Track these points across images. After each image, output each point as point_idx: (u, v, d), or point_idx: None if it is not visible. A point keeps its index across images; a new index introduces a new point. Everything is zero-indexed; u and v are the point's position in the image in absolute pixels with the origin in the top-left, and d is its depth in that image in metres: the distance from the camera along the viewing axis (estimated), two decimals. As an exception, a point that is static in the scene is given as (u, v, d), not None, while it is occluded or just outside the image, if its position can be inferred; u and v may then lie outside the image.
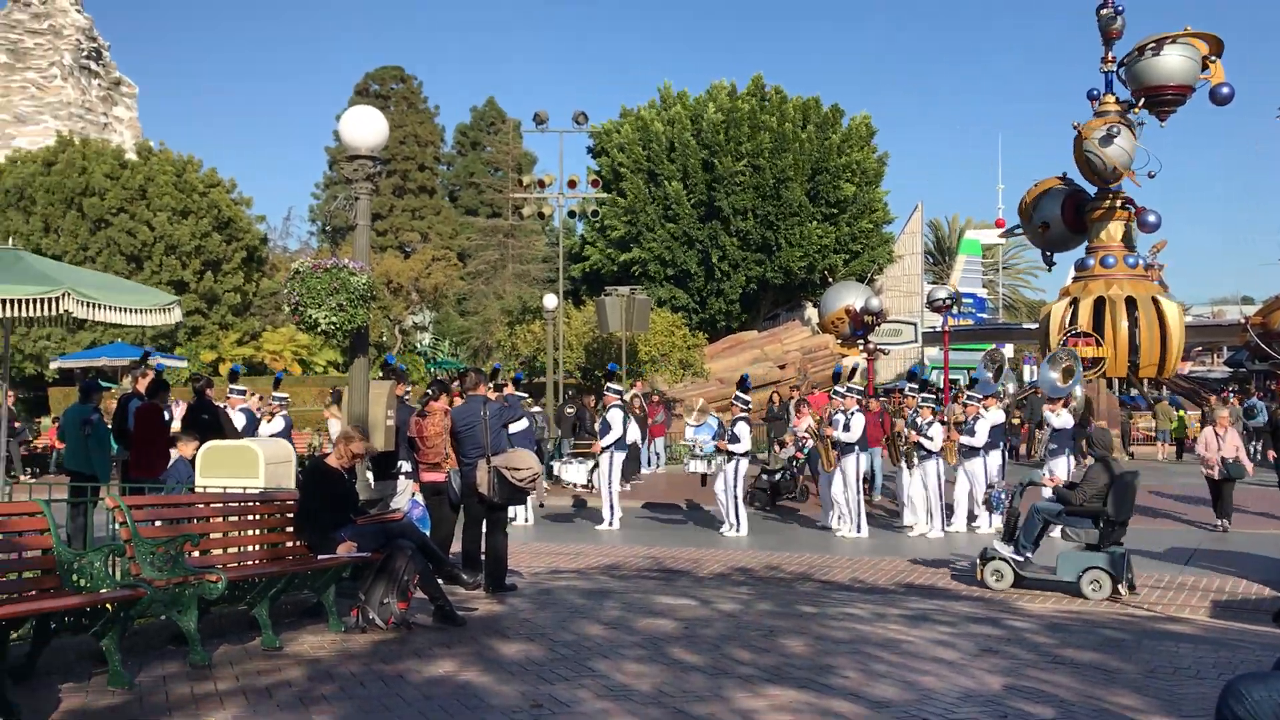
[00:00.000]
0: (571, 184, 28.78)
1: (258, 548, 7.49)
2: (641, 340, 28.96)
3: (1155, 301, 25.48)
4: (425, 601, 7.66)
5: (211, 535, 7.10)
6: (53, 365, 32.47)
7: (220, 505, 7.58)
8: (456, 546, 9.89)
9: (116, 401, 12.36)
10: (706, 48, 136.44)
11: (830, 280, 41.13)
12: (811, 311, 43.86)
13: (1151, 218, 24.80)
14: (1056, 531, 11.27)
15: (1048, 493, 11.29)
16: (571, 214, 29.89)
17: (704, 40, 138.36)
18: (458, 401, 10.14)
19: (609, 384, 15.55)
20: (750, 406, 16.16)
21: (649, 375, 27.12)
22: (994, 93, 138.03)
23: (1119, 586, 9.97)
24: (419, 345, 50.53)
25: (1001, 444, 16.01)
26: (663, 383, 28.87)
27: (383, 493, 9.86)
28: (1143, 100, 24.86)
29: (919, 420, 15.21)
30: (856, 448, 15.08)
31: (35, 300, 8.46)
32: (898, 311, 49.90)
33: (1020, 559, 10.52)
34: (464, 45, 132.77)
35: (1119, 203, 25.58)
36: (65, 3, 54.95)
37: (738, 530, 15.06)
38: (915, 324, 49.67)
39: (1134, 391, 32.12)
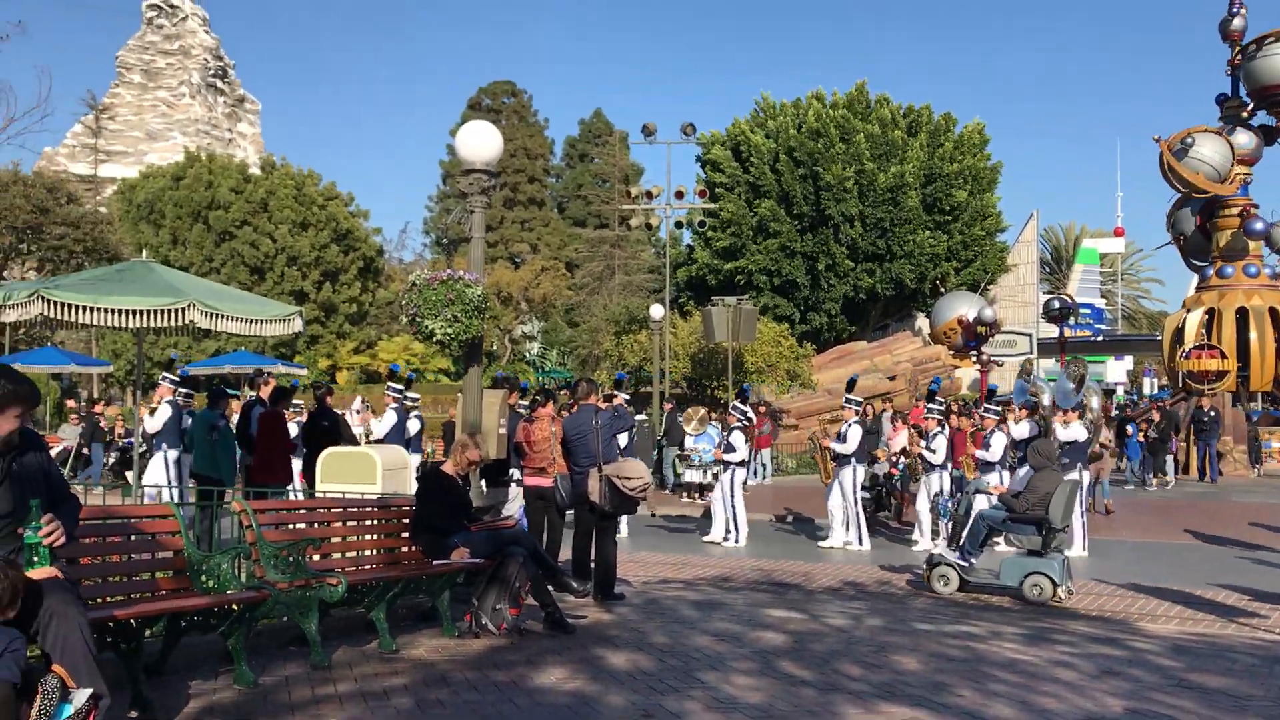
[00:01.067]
0: (679, 194, 28.86)
1: (375, 552, 7.68)
2: (748, 350, 28.84)
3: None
4: (536, 608, 7.76)
5: (331, 540, 7.30)
6: (180, 373, 33.76)
7: (339, 510, 7.80)
8: (564, 554, 10.00)
9: (240, 408, 12.81)
10: (807, 56, 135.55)
11: (941, 290, 40.41)
12: (922, 322, 43.17)
13: (1259, 225, 23.66)
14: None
15: (982, 501, 11.73)
16: (679, 224, 29.96)
17: (804, 49, 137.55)
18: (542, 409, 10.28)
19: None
20: (748, 416, 16.13)
21: (756, 386, 26.98)
22: (1112, 97, 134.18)
23: (1059, 591, 10.30)
24: (528, 354, 51.22)
25: (1010, 461, 15.36)
26: (769, 393, 28.70)
27: (494, 500, 10.03)
28: (1260, 101, 23.86)
29: (926, 431, 15.23)
30: (853, 459, 15.02)
31: (163, 311, 8.84)
32: (1011, 322, 48.83)
33: (965, 564, 10.88)
34: (572, 59, 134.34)
35: (1237, 210, 24.46)
36: (194, 24, 57.30)
37: (738, 541, 15.10)
38: (1030, 335, 48.53)
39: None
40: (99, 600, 5.39)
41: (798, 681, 6.23)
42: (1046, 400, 16.72)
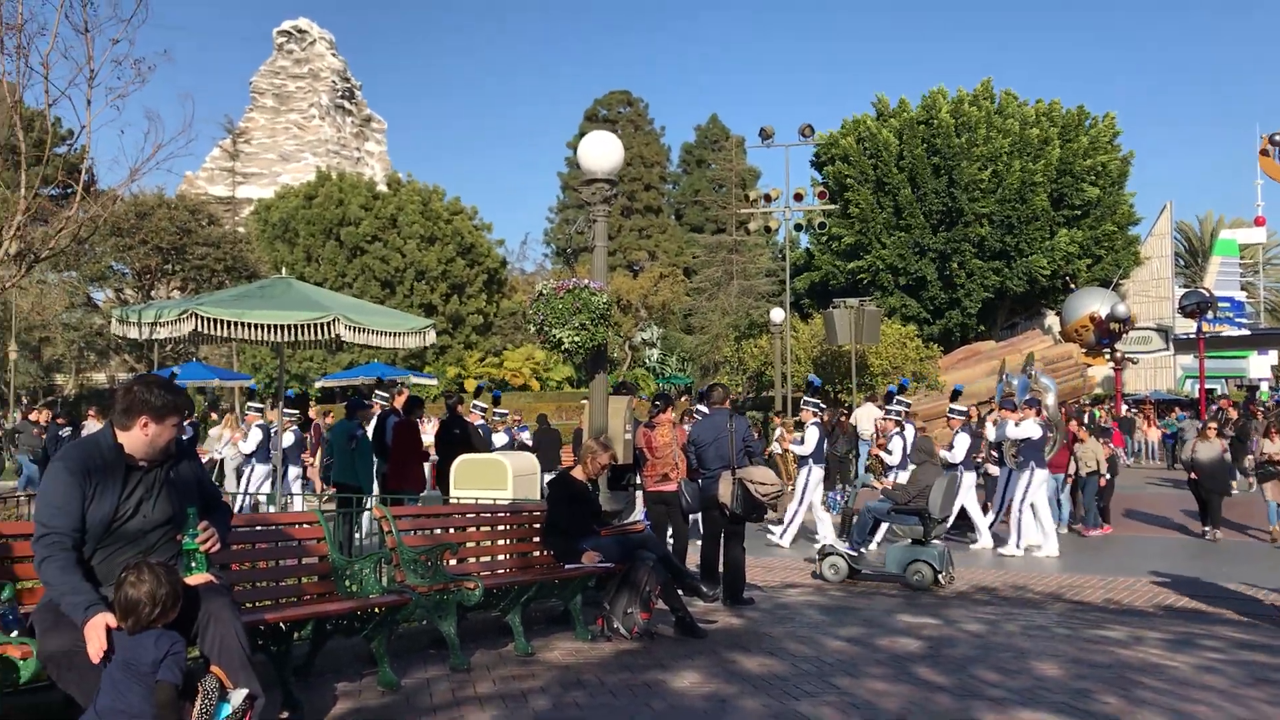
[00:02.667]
0: (798, 197, 28.68)
1: (508, 557, 7.82)
2: (872, 353, 28.46)
3: None
4: (666, 612, 7.80)
5: (466, 545, 7.46)
6: (316, 385, 34.99)
7: (473, 516, 7.97)
8: (691, 558, 10.03)
9: (375, 418, 13.19)
10: (924, 55, 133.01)
11: (1072, 286, 39.18)
12: (1053, 319, 41.96)
13: None
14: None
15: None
16: (798, 227, 29.78)
17: (922, 48, 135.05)
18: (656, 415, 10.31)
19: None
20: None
21: (880, 389, 26.57)
22: (1249, 79, 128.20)
23: (939, 578, 11.19)
24: (647, 361, 51.48)
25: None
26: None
27: (621, 504, 10.12)
28: None
29: (883, 432, 15.39)
30: (810, 460, 14.84)
31: (310, 325, 9.19)
32: (1146, 317, 47.05)
33: (854, 553, 11.79)
34: (687, 66, 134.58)
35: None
36: (322, 47, 59.27)
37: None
38: (1166, 330, 46.68)
39: None
40: (249, 604, 5.61)
41: (934, 687, 6.13)
42: (1051, 400, 16.69)
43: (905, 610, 9.27)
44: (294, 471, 17.70)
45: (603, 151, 9.41)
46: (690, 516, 10.38)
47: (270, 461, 16.41)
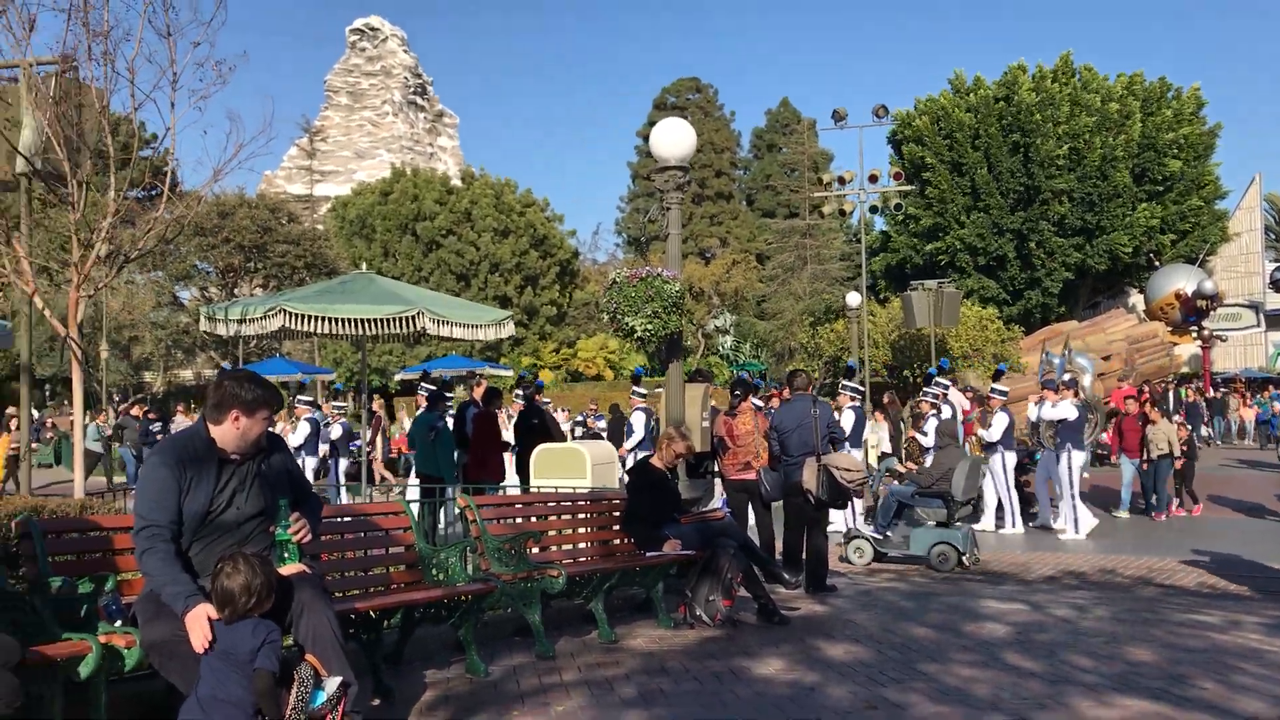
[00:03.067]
0: (872, 178, 28.30)
1: (589, 545, 7.87)
2: (951, 336, 28.04)
3: None
4: (749, 600, 7.79)
5: (548, 533, 7.52)
6: (396, 377, 35.52)
7: (554, 505, 8.04)
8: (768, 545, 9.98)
9: (455, 409, 13.35)
10: (1005, 30, 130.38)
11: (1157, 263, 38.23)
12: (1137, 298, 40.97)
13: None
14: None
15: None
16: (873, 209, 29.39)
17: (1002, 22, 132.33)
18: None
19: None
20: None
21: (962, 371, 26.20)
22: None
23: (963, 560, 11.31)
24: (721, 348, 51.33)
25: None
26: (975, 379, 27.81)
27: (697, 492, 10.11)
28: None
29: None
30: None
31: (395, 319, 9.32)
32: (1235, 294, 45.66)
33: (879, 536, 11.93)
34: (757, 51, 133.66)
35: None
36: (394, 44, 59.96)
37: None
38: (1257, 306, 45.28)
39: None
40: (340, 594, 5.72)
41: (1024, 673, 6.03)
42: (1088, 381, 16.31)
43: (991, 596, 9.14)
44: (343, 464, 18.27)
45: (674, 138, 9.38)
46: (769, 505, 10.33)
47: (318, 454, 17.47)
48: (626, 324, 8.94)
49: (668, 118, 9.94)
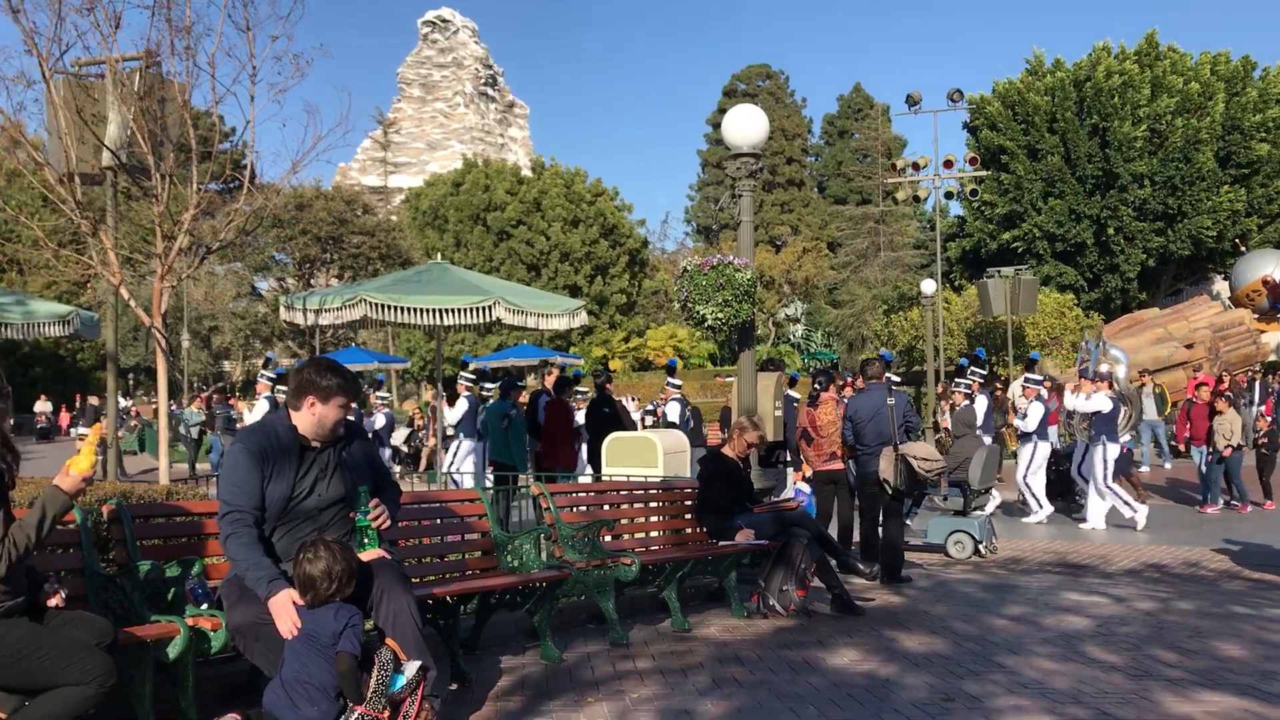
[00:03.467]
0: (947, 164, 27.90)
1: (662, 534, 7.88)
2: (1028, 323, 27.55)
3: None
4: (822, 590, 7.74)
5: (621, 521, 7.54)
6: (470, 366, 35.86)
7: (626, 493, 8.05)
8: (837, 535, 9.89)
9: (528, 398, 13.43)
10: (1087, 5, 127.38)
11: (1243, 249, 37.14)
12: (1221, 285, 39.85)
13: None
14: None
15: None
16: (949, 195, 28.97)
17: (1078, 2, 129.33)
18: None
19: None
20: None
21: (1041, 360, 25.73)
22: None
23: (980, 548, 11.29)
24: (791, 337, 51.06)
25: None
26: (1053, 368, 27.31)
27: (772, 481, 10.06)
28: None
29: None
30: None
31: (471, 308, 9.41)
32: (1327, 279, 44.11)
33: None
34: (829, 36, 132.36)
35: None
36: (465, 36, 60.42)
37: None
38: (1351, 292, 43.70)
39: None
40: (417, 579, 5.80)
41: (1106, 667, 5.91)
42: (1121, 372, 15.96)
43: (1071, 588, 8.97)
44: (385, 453, 18.30)
45: (747, 125, 9.30)
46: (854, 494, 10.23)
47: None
48: (698, 313, 8.89)
49: (739, 104, 9.87)
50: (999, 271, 25.81)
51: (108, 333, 10.87)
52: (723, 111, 67.05)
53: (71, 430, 29.89)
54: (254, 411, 16.29)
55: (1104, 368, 16.10)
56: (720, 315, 8.84)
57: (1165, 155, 36.49)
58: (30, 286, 35.67)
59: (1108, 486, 13.89)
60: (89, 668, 3.71)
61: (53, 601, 3.90)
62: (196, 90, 10.09)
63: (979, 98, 40.66)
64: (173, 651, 4.24)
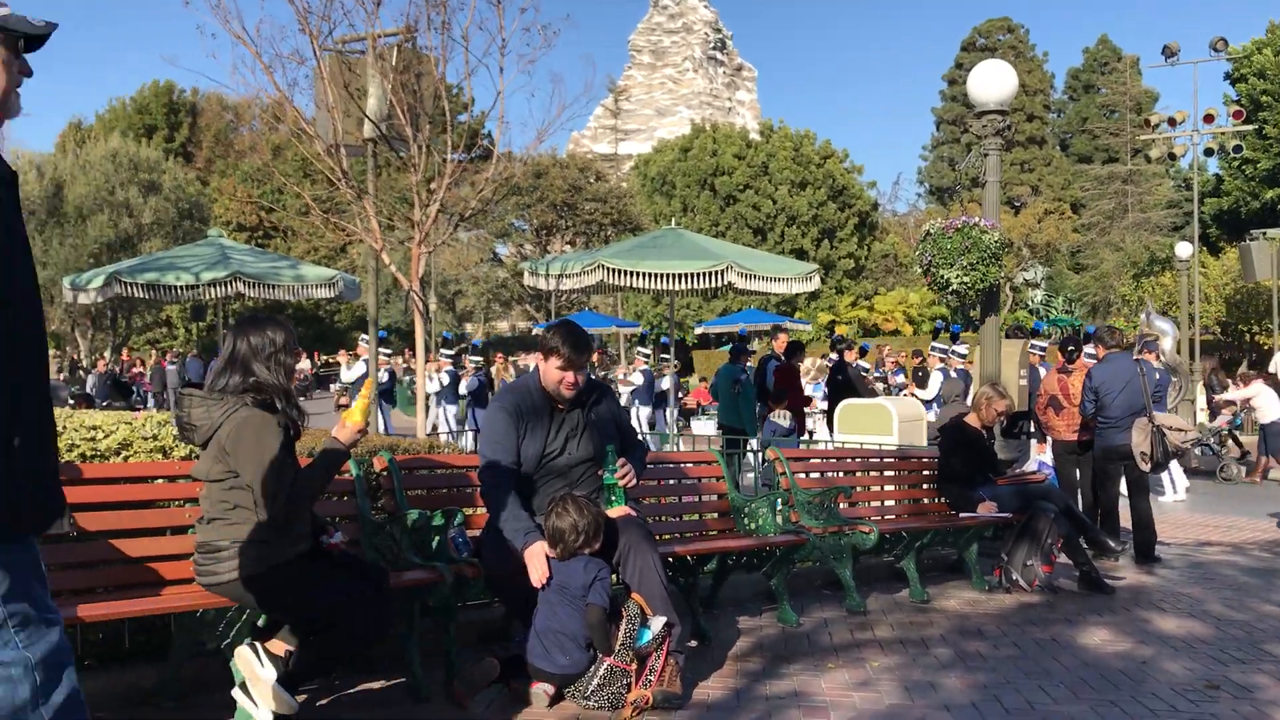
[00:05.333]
0: (1208, 118, 25.91)
1: (898, 503, 7.75)
2: (1298, 289, 25.35)
3: None
4: (1069, 566, 7.44)
5: (857, 489, 7.46)
6: (696, 330, 36.24)
7: (861, 461, 7.96)
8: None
9: (757, 363, 13.45)
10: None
11: None
12: None
13: None
14: None
15: None
16: (1208, 152, 26.92)
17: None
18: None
19: (1157, 337, 14.30)
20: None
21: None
22: None
23: None
24: (1030, 303, 48.84)
25: None
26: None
27: (1015, 453, 9.71)
28: None
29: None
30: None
31: (705, 274, 9.50)
32: None
33: None
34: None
35: None
36: (695, 1, 60.48)
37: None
38: None
39: None
40: (658, 538, 5.93)
41: (1396, 665, 5.43)
42: (1168, 344, 14.46)
43: (1350, 577, 8.26)
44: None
45: (993, 81, 8.93)
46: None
47: (457, 403, 18.42)
48: (941, 277, 8.64)
49: (980, 60, 9.48)
50: (1264, 233, 23.83)
51: (369, 296, 11.59)
52: (960, 68, 64.48)
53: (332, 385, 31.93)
54: (351, 370, 17.94)
55: (1149, 338, 15.13)
56: (966, 279, 8.57)
57: None
58: (293, 252, 38.42)
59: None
60: (367, 608, 4.00)
61: (335, 544, 4.22)
62: (449, 64, 10.57)
63: (1245, 46, 37.53)
64: (438, 597, 4.52)
